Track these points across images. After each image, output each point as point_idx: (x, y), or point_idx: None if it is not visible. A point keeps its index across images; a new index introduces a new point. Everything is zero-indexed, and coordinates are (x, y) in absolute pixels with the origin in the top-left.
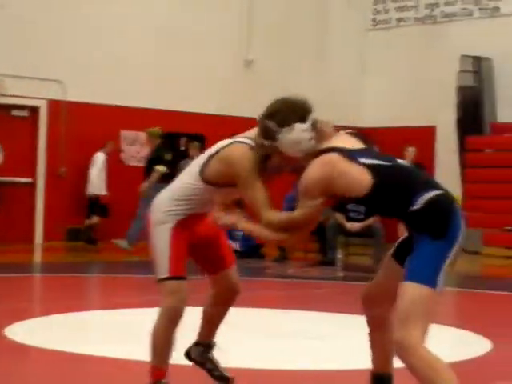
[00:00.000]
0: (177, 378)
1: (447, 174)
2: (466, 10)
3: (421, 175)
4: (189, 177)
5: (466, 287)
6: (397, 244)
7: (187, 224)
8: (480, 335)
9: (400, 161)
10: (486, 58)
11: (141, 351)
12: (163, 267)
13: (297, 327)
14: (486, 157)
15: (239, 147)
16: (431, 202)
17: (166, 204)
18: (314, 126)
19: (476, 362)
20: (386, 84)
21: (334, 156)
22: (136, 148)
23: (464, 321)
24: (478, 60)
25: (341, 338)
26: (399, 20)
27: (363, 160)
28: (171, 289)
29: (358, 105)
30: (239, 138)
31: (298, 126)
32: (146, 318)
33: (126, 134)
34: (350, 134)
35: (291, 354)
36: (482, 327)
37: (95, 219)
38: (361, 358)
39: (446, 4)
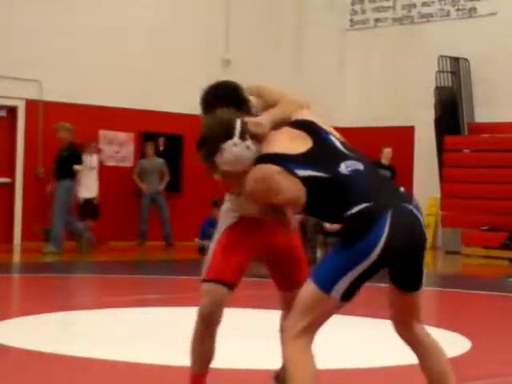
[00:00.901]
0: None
1: (426, 173)
2: (443, 11)
3: (365, 185)
4: None
5: (445, 287)
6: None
7: (243, 226)
8: (459, 334)
9: (344, 166)
10: (464, 58)
11: (127, 352)
12: (205, 269)
13: (274, 327)
14: (463, 157)
15: None
16: (352, 216)
17: (223, 208)
18: (245, 133)
19: (455, 361)
20: (364, 84)
21: (268, 171)
22: (114, 148)
23: (443, 320)
24: (455, 60)
25: (319, 336)
26: (377, 20)
27: (299, 172)
28: (205, 290)
29: (336, 105)
30: None
31: (227, 145)
32: (131, 317)
33: (105, 133)
34: (293, 125)
35: (269, 354)
36: (461, 326)
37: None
38: (342, 357)
39: (423, 4)
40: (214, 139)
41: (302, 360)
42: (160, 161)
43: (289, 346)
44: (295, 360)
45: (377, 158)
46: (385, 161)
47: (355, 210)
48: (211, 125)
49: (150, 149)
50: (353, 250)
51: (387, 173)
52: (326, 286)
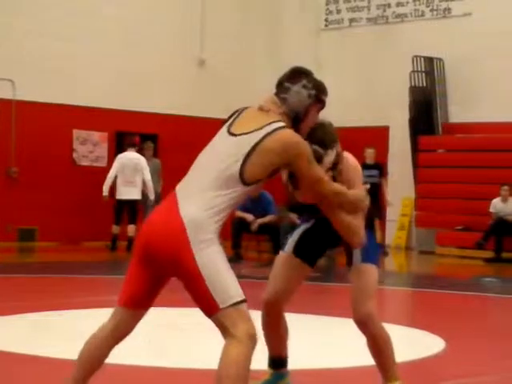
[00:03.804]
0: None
1: (400, 173)
2: (417, 11)
3: None
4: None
5: (420, 287)
6: (295, 242)
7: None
8: (434, 334)
9: None
10: (438, 58)
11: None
12: (232, 291)
13: None
14: (437, 157)
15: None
16: (369, 211)
17: (210, 220)
18: None
19: (429, 360)
20: (339, 84)
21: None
22: (88, 147)
23: (418, 320)
24: (429, 60)
25: (294, 337)
26: (351, 20)
27: None
28: (247, 313)
29: None
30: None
31: (332, 150)
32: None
33: (78, 133)
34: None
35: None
36: (436, 326)
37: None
38: (317, 358)
39: (398, 5)
40: (334, 140)
41: (386, 331)
42: (157, 161)
43: (378, 323)
44: (385, 333)
45: (362, 159)
46: (369, 161)
47: None
48: (333, 130)
49: (149, 149)
50: (374, 234)
51: (375, 172)
52: (379, 264)
